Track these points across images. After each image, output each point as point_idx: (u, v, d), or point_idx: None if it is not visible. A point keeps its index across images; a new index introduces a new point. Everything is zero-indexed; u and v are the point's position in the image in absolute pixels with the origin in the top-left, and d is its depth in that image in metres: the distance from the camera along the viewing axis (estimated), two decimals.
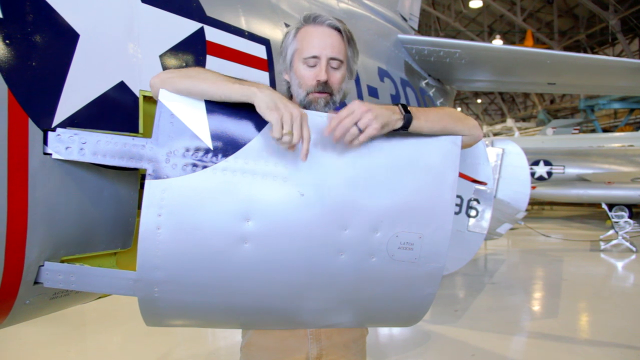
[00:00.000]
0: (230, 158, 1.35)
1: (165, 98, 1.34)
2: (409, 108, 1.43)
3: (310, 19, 1.57)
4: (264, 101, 1.27)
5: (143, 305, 1.43)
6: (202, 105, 1.36)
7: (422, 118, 1.43)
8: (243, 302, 1.51)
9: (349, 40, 1.58)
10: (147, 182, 1.33)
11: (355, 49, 1.63)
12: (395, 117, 1.39)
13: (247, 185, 1.36)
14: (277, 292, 1.49)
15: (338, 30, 1.56)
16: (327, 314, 1.58)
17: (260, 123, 1.37)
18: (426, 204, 1.46)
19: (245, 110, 1.37)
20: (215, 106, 1.37)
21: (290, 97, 1.63)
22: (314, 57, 1.53)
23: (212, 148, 1.35)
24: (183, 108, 1.34)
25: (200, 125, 1.35)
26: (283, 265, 1.43)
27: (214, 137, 1.35)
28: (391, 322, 1.75)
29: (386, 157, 1.41)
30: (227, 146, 1.36)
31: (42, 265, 1.42)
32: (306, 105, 1.56)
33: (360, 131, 1.33)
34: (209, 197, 1.35)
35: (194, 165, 1.34)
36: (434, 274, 1.51)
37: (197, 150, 1.34)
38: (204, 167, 1.34)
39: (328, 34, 1.54)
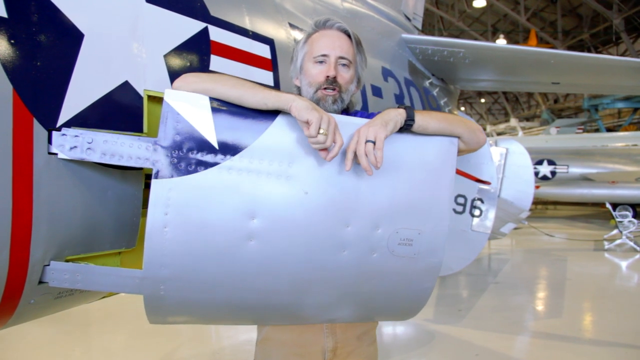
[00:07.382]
0: (236, 157, 1.36)
1: (172, 98, 1.35)
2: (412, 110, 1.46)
3: (321, 24, 1.62)
4: (303, 105, 1.31)
5: (148, 303, 1.44)
6: (208, 105, 1.36)
7: (426, 115, 1.46)
8: (247, 298, 1.51)
9: (357, 44, 1.62)
10: (154, 182, 1.33)
11: (363, 55, 1.66)
12: (395, 113, 1.42)
13: (252, 184, 1.37)
14: (281, 288, 1.50)
15: (347, 33, 1.61)
16: (328, 309, 1.59)
17: (264, 123, 1.38)
18: (425, 201, 1.49)
19: (250, 111, 1.39)
20: (220, 106, 1.38)
21: None
22: (324, 55, 1.57)
23: (217, 147, 1.36)
24: (189, 108, 1.35)
25: (206, 125, 1.35)
26: (288, 261, 1.45)
27: (220, 136, 1.36)
28: (389, 316, 1.79)
29: (386, 156, 1.40)
30: (232, 146, 1.37)
31: (48, 265, 1.42)
32: (315, 103, 1.52)
33: (373, 142, 1.34)
34: (215, 196, 1.36)
35: (200, 164, 1.35)
36: (432, 269, 1.54)
37: (203, 149, 1.35)
38: (210, 166, 1.35)
39: (337, 36, 1.59)
